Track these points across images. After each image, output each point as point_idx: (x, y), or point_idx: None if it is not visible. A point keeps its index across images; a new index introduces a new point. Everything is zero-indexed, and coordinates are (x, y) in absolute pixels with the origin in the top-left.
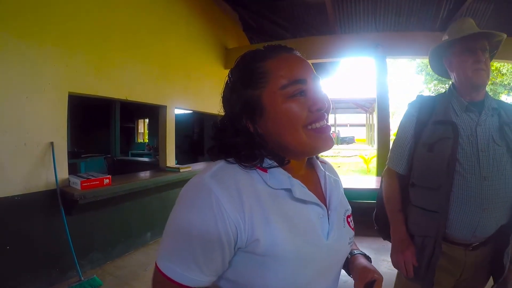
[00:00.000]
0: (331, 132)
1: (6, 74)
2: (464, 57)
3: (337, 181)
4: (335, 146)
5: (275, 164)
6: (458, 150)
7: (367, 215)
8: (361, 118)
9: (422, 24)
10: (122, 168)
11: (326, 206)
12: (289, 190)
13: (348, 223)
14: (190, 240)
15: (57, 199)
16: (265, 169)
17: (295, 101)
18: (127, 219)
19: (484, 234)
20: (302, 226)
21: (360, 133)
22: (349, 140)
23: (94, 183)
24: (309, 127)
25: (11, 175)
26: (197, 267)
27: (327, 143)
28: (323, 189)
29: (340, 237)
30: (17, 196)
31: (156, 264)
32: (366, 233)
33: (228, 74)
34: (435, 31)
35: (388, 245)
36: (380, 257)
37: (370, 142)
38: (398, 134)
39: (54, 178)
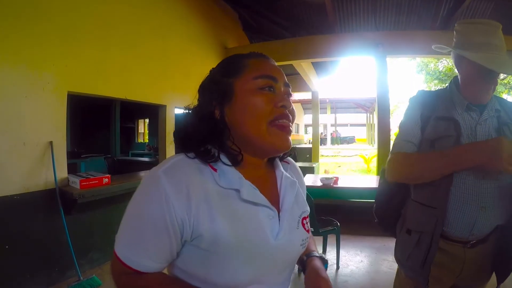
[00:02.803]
0: (291, 135)
1: (5, 74)
2: (478, 79)
3: (294, 182)
4: (335, 146)
5: (229, 163)
6: None
7: (367, 214)
8: (361, 117)
9: (422, 23)
10: (122, 168)
11: (279, 207)
12: (238, 191)
13: (303, 225)
14: (140, 229)
15: (56, 199)
16: (215, 169)
17: (264, 94)
18: None
19: (482, 232)
20: (249, 225)
21: (360, 133)
22: (349, 140)
23: (93, 182)
24: (272, 123)
25: (10, 175)
26: (147, 255)
27: (285, 143)
28: (278, 190)
29: (291, 238)
30: (16, 195)
31: (114, 249)
32: (367, 233)
33: (211, 69)
34: (436, 30)
35: (388, 244)
36: (381, 257)
37: (371, 141)
38: (404, 125)
39: (53, 178)
